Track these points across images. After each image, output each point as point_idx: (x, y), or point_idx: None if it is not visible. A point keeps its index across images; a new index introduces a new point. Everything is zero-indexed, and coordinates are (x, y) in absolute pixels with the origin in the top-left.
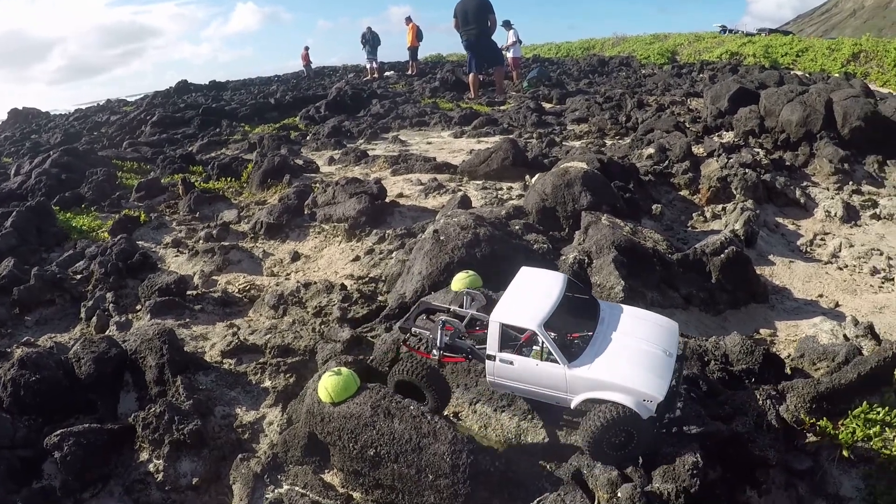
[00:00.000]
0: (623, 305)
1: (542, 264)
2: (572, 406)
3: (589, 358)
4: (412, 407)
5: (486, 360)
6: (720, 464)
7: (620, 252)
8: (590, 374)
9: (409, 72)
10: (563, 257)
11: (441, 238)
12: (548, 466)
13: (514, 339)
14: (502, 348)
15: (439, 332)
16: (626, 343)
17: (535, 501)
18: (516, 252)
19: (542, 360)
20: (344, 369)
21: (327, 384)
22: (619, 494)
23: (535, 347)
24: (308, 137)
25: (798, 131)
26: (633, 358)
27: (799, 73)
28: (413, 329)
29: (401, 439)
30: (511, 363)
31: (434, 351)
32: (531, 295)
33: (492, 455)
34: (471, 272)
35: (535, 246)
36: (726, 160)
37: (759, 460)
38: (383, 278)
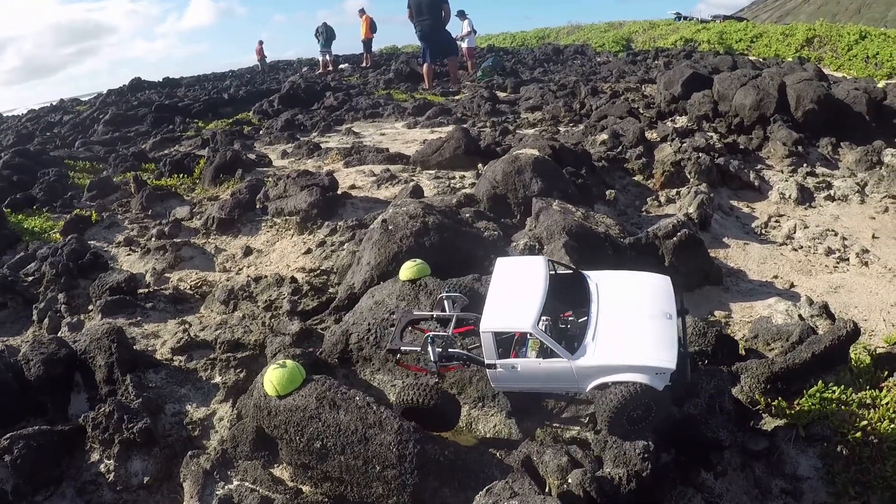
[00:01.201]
0: (610, 272)
1: (492, 251)
2: (586, 392)
3: (591, 344)
4: (357, 397)
5: (487, 370)
6: (673, 446)
7: (571, 237)
8: (596, 361)
9: (364, 64)
10: (514, 243)
11: (389, 228)
12: (497, 454)
13: (510, 337)
14: (500, 354)
15: (429, 348)
16: (624, 316)
17: (485, 490)
18: (466, 240)
19: (543, 357)
20: (289, 362)
21: (272, 377)
22: (569, 480)
23: (531, 338)
24: (261, 132)
25: (752, 115)
26: (636, 332)
27: (753, 58)
28: (402, 348)
29: (346, 430)
30: (514, 367)
31: (430, 366)
32: (515, 290)
33: (440, 444)
34: (418, 261)
35: (485, 233)
36: (680, 144)
37: (712, 442)
38: (335, 270)
